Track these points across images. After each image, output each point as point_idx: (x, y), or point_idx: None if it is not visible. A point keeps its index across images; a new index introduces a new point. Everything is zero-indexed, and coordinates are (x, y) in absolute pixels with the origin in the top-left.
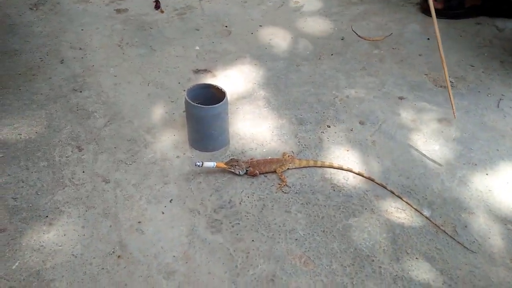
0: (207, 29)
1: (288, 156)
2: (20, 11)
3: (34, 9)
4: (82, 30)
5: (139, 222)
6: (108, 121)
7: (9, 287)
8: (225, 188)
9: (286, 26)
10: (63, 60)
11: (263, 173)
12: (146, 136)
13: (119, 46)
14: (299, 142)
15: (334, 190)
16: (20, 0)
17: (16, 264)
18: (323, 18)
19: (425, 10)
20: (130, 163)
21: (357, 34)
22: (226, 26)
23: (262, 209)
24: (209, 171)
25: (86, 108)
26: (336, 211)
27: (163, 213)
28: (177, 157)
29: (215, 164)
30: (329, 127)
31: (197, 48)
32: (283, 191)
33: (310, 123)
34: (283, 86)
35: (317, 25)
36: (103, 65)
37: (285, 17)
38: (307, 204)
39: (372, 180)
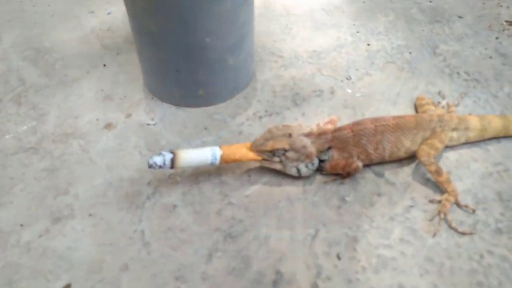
0: None
1: (437, 105)
2: None
3: None
4: None
5: None
6: None
7: None
8: (254, 228)
9: None
10: None
11: (371, 164)
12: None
13: None
14: (447, 66)
15: None
16: None
17: None
18: None
19: None
20: None
21: None
22: None
23: None
24: (194, 178)
25: None
26: None
27: None
28: (107, 127)
29: (218, 152)
30: None
31: None
32: (457, 230)
33: (460, 18)
34: None
35: None
36: None
37: None
38: None
39: None
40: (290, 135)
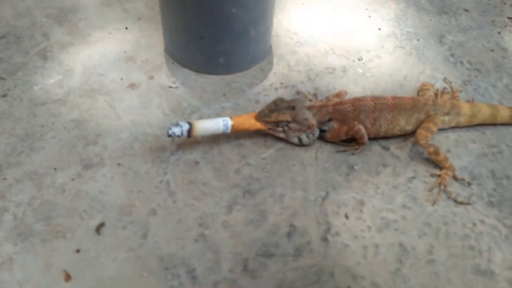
0: None
1: (438, 92)
2: None
3: None
4: None
5: None
6: None
7: None
8: (270, 187)
9: None
10: None
11: (373, 138)
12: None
13: None
14: (452, 55)
15: None
16: None
17: None
18: None
19: None
20: None
21: None
22: None
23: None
24: (214, 139)
25: None
26: None
27: None
28: (131, 87)
29: (229, 123)
30: None
31: None
32: (456, 200)
33: (467, 11)
34: None
35: None
36: None
37: None
38: None
39: None
40: (293, 108)
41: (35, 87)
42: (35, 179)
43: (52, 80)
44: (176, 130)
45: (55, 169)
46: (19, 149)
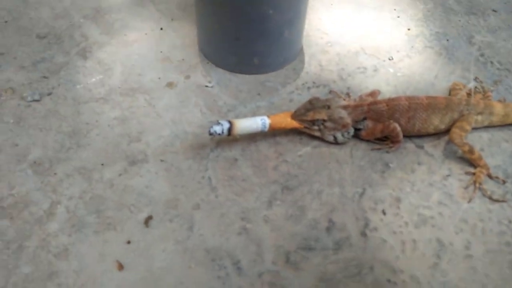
0: None
1: (471, 92)
2: None
3: None
4: None
5: None
6: None
7: None
8: (308, 183)
9: None
10: None
11: (407, 136)
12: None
13: None
14: (481, 55)
15: None
16: None
17: None
18: None
19: None
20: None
21: None
22: None
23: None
24: (251, 137)
25: None
26: None
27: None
28: (168, 86)
29: (267, 121)
30: None
31: None
32: (491, 198)
33: (495, 12)
34: None
35: None
36: None
37: None
38: None
39: None
40: (329, 107)
41: (77, 86)
42: (84, 174)
43: (93, 79)
44: (217, 129)
45: (102, 164)
46: (67, 145)
